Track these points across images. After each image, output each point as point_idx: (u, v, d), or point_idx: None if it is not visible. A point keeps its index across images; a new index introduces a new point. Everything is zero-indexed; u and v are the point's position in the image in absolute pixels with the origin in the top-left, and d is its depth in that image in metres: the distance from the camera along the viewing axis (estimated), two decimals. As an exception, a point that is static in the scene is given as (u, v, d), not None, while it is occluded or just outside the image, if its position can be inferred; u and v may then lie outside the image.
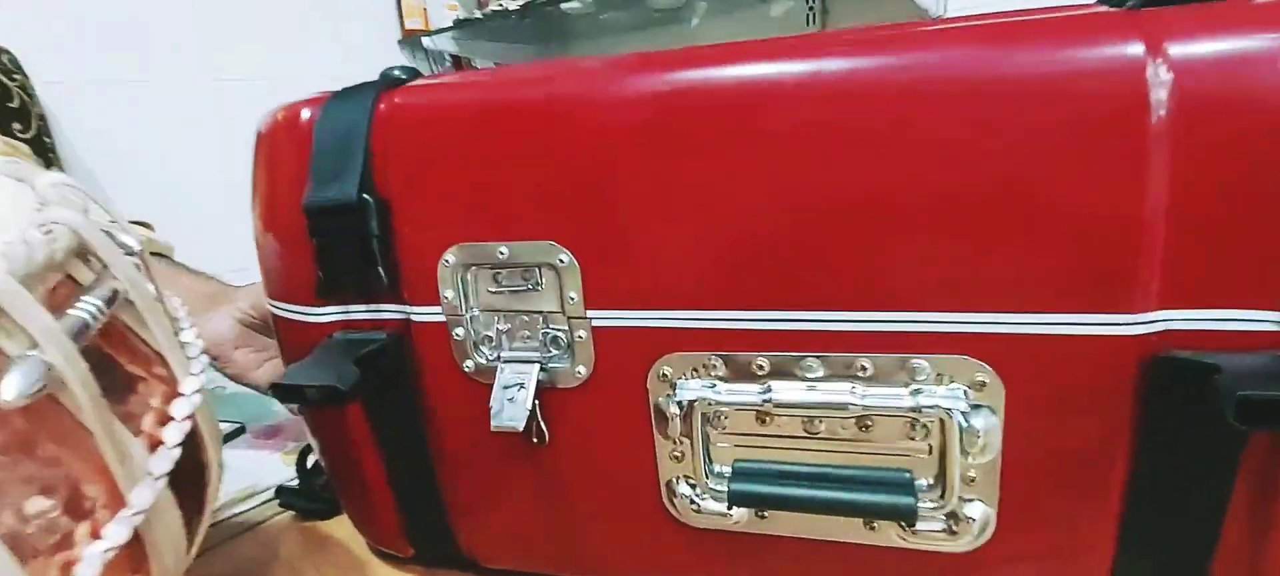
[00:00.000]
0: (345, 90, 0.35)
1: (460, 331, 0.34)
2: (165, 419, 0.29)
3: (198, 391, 0.31)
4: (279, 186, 0.35)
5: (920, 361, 0.27)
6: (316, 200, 0.32)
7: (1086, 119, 0.23)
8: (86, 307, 0.25)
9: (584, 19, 1.28)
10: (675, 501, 0.33)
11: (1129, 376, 0.25)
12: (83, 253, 0.27)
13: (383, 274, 0.33)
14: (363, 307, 0.35)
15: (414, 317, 0.35)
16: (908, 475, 0.29)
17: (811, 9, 1.12)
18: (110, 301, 0.27)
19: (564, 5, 1.27)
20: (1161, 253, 0.23)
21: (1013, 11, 0.26)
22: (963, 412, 0.27)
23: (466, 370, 0.35)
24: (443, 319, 0.34)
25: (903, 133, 0.25)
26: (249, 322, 0.55)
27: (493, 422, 0.32)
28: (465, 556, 0.41)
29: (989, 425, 0.27)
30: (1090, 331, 0.25)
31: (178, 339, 0.32)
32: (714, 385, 0.30)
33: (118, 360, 0.28)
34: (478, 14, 1.56)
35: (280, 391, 0.33)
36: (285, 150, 0.35)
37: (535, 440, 0.34)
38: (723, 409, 0.31)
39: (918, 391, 0.27)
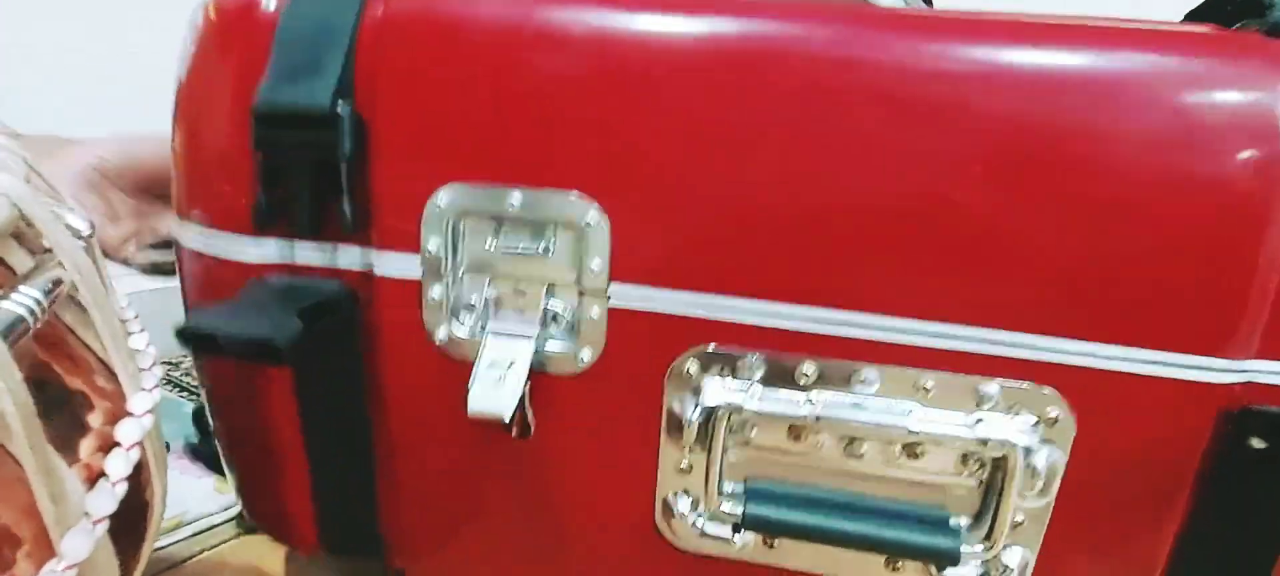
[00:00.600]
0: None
1: (438, 292, 0.28)
2: (109, 444, 0.22)
3: (150, 410, 0.23)
4: (220, 79, 0.27)
5: (990, 387, 0.24)
6: (275, 101, 0.25)
7: (1223, 147, 0.21)
8: (24, 300, 0.18)
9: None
10: (671, 521, 0.29)
11: (1206, 425, 0.23)
12: (20, 231, 0.19)
13: (348, 208, 0.27)
14: (313, 247, 0.28)
15: (377, 269, 0.28)
16: (946, 514, 0.26)
17: None
18: (52, 295, 0.19)
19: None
20: (1272, 301, 0.22)
21: (1135, 21, 0.24)
22: (1029, 449, 0.24)
23: (438, 340, 0.28)
24: (416, 275, 0.28)
25: (1017, 131, 0.22)
26: (108, 174, 0.43)
27: (471, 405, 0.26)
28: (385, 559, 0.34)
29: (1052, 465, 0.24)
30: (1180, 374, 0.23)
31: (127, 344, 0.24)
32: (749, 388, 0.26)
33: (54, 368, 0.21)
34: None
35: (192, 339, 0.25)
36: (236, 34, 0.27)
37: (515, 432, 0.28)
38: (754, 419, 0.26)
39: (980, 421, 0.24)
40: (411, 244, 0.27)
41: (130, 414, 0.23)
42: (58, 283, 0.21)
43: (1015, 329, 0.24)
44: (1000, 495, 0.25)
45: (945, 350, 0.24)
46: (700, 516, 0.28)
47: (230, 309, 0.26)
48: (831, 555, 0.28)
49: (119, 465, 0.22)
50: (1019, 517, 0.25)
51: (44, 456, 0.18)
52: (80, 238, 0.22)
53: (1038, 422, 0.24)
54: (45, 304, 0.19)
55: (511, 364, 0.27)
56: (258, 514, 0.37)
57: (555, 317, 0.27)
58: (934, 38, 0.23)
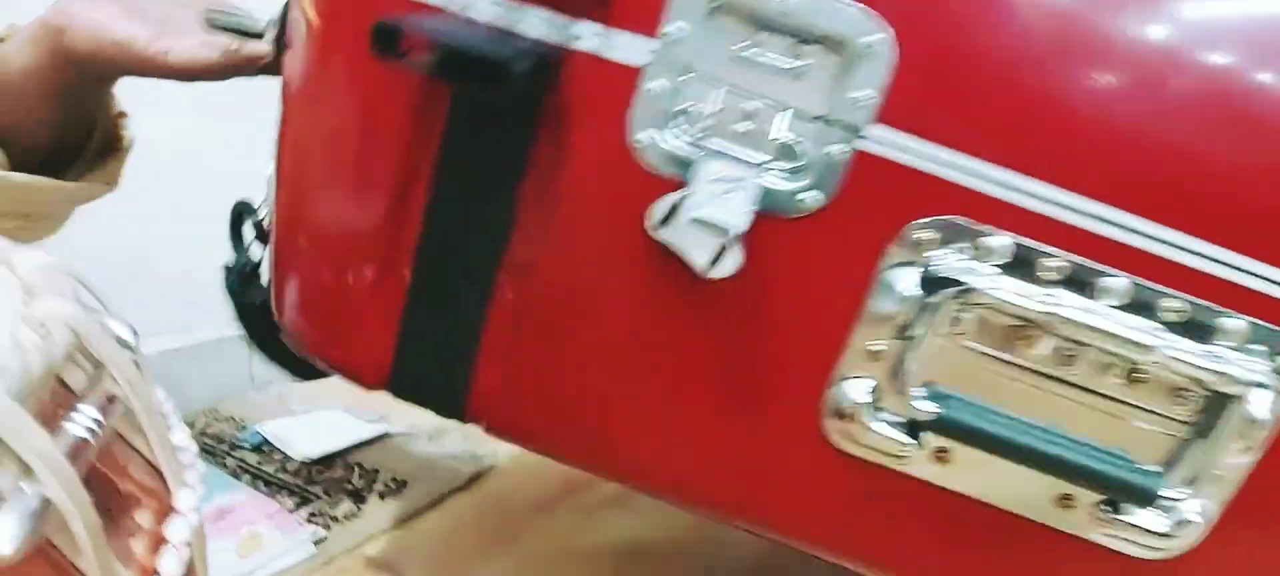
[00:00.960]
0: None
1: (658, 86, 0.24)
2: (159, 542, 0.22)
3: (196, 507, 0.23)
4: None
5: (1238, 322, 0.23)
6: None
7: None
8: (84, 421, 0.19)
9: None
10: (841, 411, 0.26)
11: None
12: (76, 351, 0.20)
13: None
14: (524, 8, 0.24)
15: (581, 44, 0.24)
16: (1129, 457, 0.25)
17: None
18: (107, 410, 0.20)
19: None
20: None
21: None
22: (1263, 392, 0.23)
23: (637, 143, 0.25)
24: (636, 61, 0.24)
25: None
26: None
27: (691, 211, 0.22)
28: (468, 407, 0.29)
29: (1275, 415, 0.24)
30: None
31: (170, 439, 0.24)
32: (991, 270, 0.24)
33: (110, 477, 0.22)
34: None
35: (383, 35, 0.20)
36: None
37: (712, 270, 0.24)
38: (985, 307, 0.24)
39: (1218, 356, 0.23)
40: (644, 24, 0.24)
41: (178, 511, 0.22)
42: (112, 398, 0.20)
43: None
44: (1208, 438, 0.24)
45: (1207, 274, 0.23)
46: (875, 411, 0.26)
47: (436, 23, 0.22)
48: (1006, 480, 0.26)
49: (172, 564, 0.21)
50: (1219, 470, 0.24)
51: (108, 567, 0.19)
52: (128, 347, 0.22)
53: (1276, 371, 0.23)
54: (103, 422, 0.19)
55: (736, 186, 0.23)
56: (305, 316, 0.31)
57: (788, 151, 0.24)
58: None
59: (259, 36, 0.36)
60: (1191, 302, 0.23)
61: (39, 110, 0.39)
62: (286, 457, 0.60)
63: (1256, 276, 0.23)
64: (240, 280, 0.36)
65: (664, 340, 0.27)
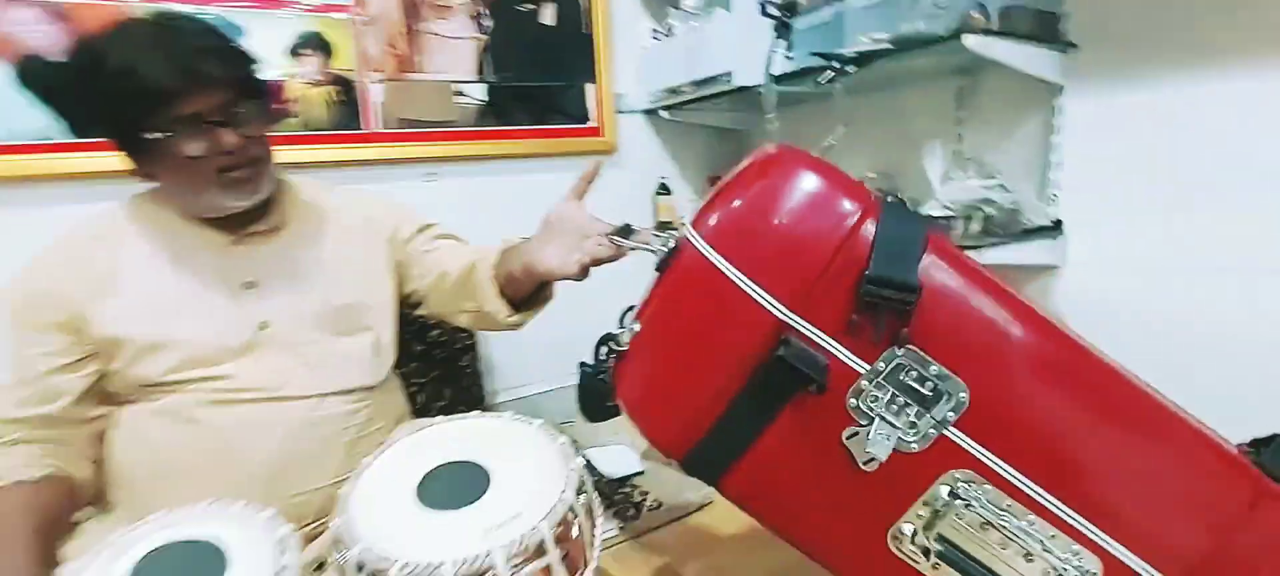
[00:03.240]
0: (895, 206, 0.55)
1: (862, 387, 0.56)
2: None
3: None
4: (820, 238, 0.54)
5: (1083, 558, 0.56)
6: (884, 274, 0.52)
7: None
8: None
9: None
10: (899, 536, 0.59)
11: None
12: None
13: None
14: (825, 337, 0.55)
15: (841, 357, 0.56)
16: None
17: (962, 94, 1.33)
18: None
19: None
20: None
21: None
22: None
23: (849, 405, 0.56)
24: (860, 370, 0.56)
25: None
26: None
27: (869, 447, 0.54)
28: (727, 483, 0.61)
29: (1077, 588, 0.57)
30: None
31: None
32: (982, 499, 0.56)
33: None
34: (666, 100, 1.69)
35: (789, 360, 0.52)
36: (837, 217, 0.54)
37: (867, 467, 0.56)
38: (974, 512, 0.57)
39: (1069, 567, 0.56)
40: (871, 360, 0.55)
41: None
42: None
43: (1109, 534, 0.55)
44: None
45: (1059, 517, 0.56)
46: (914, 540, 0.58)
47: (803, 352, 0.53)
48: None
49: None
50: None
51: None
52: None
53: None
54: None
55: (888, 436, 0.55)
56: (650, 416, 0.62)
57: (913, 426, 0.56)
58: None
59: (653, 253, 0.66)
60: (1055, 531, 0.56)
61: (523, 284, 0.92)
62: (600, 475, 1.05)
63: (1100, 537, 0.56)
64: (592, 373, 0.67)
65: (824, 486, 0.59)
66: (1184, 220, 1.06)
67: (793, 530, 0.62)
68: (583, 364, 0.69)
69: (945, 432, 0.56)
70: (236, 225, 0.92)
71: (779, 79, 1.35)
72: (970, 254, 0.88)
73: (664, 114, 1.76)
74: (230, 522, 0.67)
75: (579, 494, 0.73)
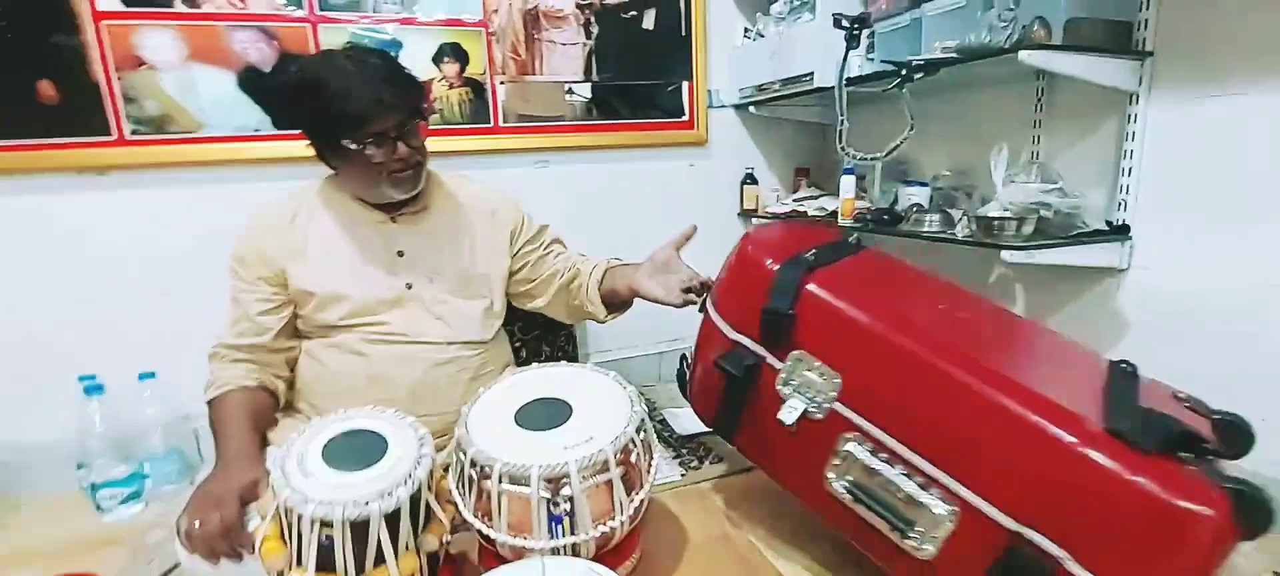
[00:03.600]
0: (794, 259, 0.74)
1: (786, 373, 0.72)
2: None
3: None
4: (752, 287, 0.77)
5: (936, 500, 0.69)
6: (772, 306, 0.76)
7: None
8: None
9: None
10: (828, 479, 0.76)
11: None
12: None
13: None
14: (758, 347, 0.74)
15: (769, 360, 0.73)
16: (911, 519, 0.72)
17: (1039, 97, 1.38)
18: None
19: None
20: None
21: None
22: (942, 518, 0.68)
23: (780, 389, 0.74)
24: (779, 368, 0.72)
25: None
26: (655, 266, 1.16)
27: (781, 415, 0.73)
28: (735, 441, 0.81)
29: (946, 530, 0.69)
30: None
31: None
32: (865, 454, 0.71)
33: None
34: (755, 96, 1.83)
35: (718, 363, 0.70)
36: (762, 273, 0.79)
37: (790, 426, 0.74)
38: (862, 464, 0.73)
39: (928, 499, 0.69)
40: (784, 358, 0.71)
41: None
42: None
43: (971, 486, 0.68)
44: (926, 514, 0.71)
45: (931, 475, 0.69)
46: (837, 479, 0.74)
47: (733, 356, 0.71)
48: (873, 516, 0.74)
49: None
50: (936, 533, 0.71)
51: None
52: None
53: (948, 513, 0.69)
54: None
55: (795, 409, 0.72)
56: (695, 400, 0.84)
57: (815, 401, 0.72)
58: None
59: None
60: (929, 485, 0.69)
61: (621, 297, 1.24)
62: (673, 431, 1.38)
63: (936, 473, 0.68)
64: (681, 368, 0.90)
65: (778, 442, 0.76)
66: (1255, 231, 1.07)
67: (776, 474, 0.85)
68: (682, 357, 0.93)
69: (833, 406, 0.77)
70: (394, 208, 1.20)
71: (856, 80, 1.45)
72: (1022, 254, 1.02)
73: (752, 109, 1.89)
74: (387, 422, 0.93)
75: (639, 432, 0.92)
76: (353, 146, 1.07)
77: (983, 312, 0.95)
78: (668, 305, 1.12)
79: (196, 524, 0.90)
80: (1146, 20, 1.15)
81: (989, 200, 1.33)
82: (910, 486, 0.74)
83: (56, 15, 1.37)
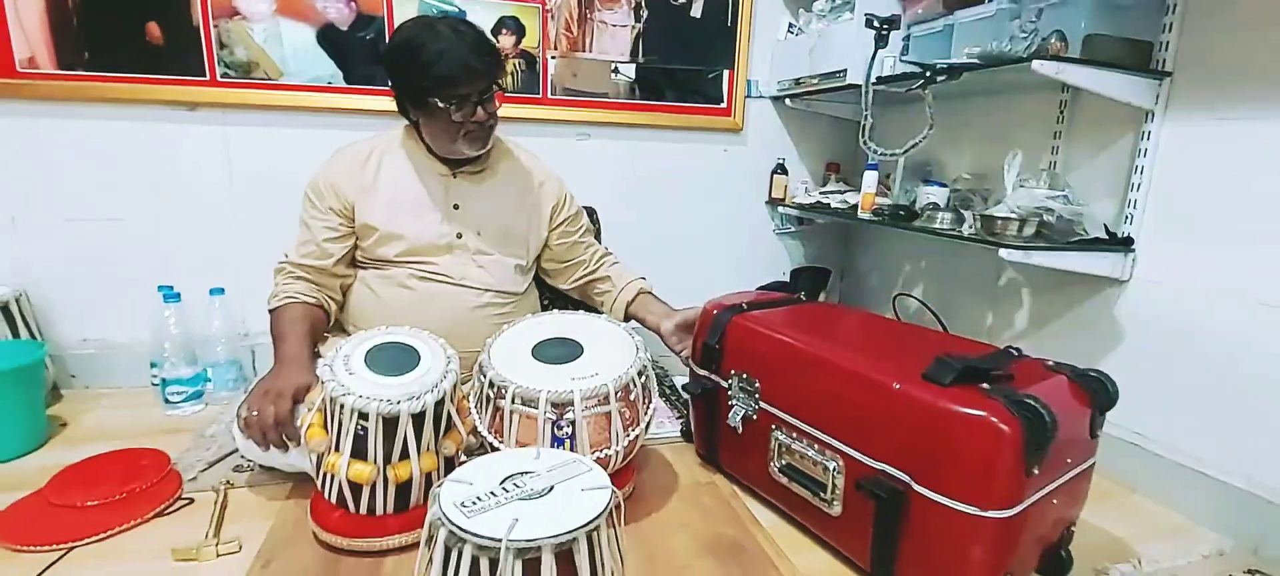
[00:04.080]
0: (728, 308, 0.94)
1: (733, 392, 0.80)
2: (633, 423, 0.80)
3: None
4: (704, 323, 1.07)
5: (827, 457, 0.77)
6: (707, 342, 1.04)
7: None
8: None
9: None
10: (773, 468, 0.86)
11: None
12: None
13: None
14: (710, 375, 0.83)
15: (722, 384, 0.83)
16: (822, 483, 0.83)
17: (1062, 109, 1.41)
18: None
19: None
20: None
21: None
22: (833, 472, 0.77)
23: (730, 402, 0.82)
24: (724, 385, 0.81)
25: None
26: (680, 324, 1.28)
27: (729, 420, 0.84)
28: (718, 462, 0.94)
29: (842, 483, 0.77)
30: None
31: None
32: (787, 438, 0.80)
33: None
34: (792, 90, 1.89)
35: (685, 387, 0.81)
36: (711, 320, 1.08)
37: (739, 430, 0.84)
38: (784, 445, 0.83)
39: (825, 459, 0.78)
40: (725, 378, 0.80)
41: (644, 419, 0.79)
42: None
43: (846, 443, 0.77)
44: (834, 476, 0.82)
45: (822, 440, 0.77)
46: (776, 468, 0.83)
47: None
48: (801, 486, 0.86)
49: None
50: (837, 487, 0.82)
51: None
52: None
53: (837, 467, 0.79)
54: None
55: (742, 415, 0.83)
56: (696, 444, 0.95)
57: (748, 406, 0.83)
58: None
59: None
60: (823, 449, 0.77)
61: (643, 324, 1.37)
62: (682, 398, 1.52)
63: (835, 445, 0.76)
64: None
65: (736, 448, 0.88)
66: (1256, 252, 1.10)
67: (744, 476, 1.10)
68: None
69: (761, 405, 1.00)
70: (457, 165, 1.34)
71: (885, 79, 1.51)
72: (1022, 254, 1.11)
73: (788, 101, 1.96)
74: (422, 340, 1.06)
75: (640, 376, 1.03)
76: (440, 104, 1.21)
77: (874, 325, 1.13)
78: (675, 354, 1.30)
79: (254, 413, 1.04)
80: (1168, 42, 1.18)
81: (998, 202, 1.38)
82: (812, 453, 0.94)
83: (166, -36, 1.54)
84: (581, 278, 1.47)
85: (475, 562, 0.59)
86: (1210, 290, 1.16)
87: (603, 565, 0.63)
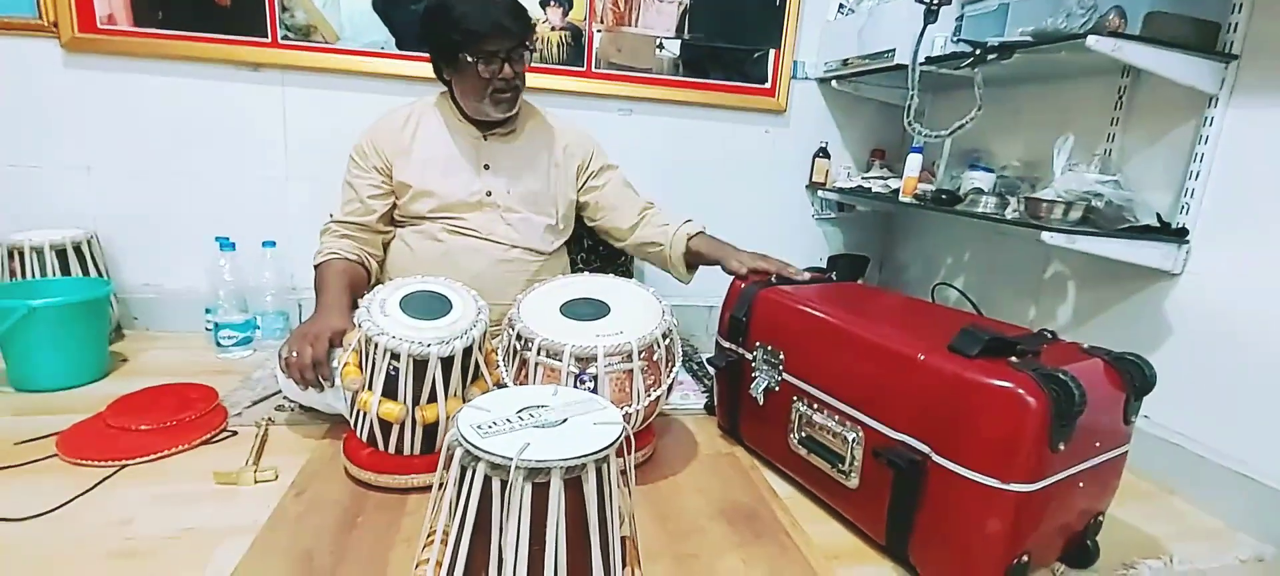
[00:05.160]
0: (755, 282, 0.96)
1: (755, 363, 0.80)
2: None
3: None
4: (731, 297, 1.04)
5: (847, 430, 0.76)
6: (733, 314, 1.03)
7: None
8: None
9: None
10: (791, 440, 0.86)
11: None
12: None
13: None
14: (738, 348, 0.83)
15: (745, 354, 0.83)
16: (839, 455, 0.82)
17: (1120, 94, 1.36)
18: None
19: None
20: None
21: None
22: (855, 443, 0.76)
23: (753, 373, 0.82)
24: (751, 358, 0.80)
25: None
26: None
27: (751, 389, 0.84)
28: (739, 434, 0.96)
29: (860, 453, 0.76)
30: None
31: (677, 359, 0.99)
32: (808, 409, 0.79)
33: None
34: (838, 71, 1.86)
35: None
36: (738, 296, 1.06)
37: (761, 401, 0.84)
38: (806, 417, 0.83)
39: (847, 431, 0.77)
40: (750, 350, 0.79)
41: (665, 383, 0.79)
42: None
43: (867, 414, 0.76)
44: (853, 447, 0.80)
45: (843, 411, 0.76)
46: (796, 440, 0.83)
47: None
48: (820, 459, 0.87)
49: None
50: (856, 459, 0.80)
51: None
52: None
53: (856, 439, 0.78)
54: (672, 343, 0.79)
55: (762, 383, 0.82)
56: (718, 419, 0.97)
57: (770, 376, 0.81)
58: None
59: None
60: (843, 421, 0.76)
61: (705, 261, 1.39)
62: (708, 372, 1.49)
63: (856, 417, 0.75)
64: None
65: (758, 419, 0.88)
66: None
67: (764, 449, 1.10)
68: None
69: (784, 377, 1.01)
70: (488, 127, 1.39)
71: (935, 59, 1.48)
72: (1066, 238, 1.08)
73: (835, 83, 1.93)
74: (454, 290, 1.10)
75: (664, 338, 1.04)
76: (470, 59, 1.25)
77: (903, 303, 1.14)
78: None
79: (293, 353, 1.10)
80: (1236, 22, 1.12)
81: (1046, 185, 1.33)
82: (833, 424, 0.94)
83: (235, -71, 1.62)
84: (641, 240, 1.46)
85: (487, 482, 0.61)
86: (1268, 288, 1.10)
87: (610, 498, 0.65)
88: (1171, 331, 1.24)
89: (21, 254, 1.54)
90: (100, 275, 1.66)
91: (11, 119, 1.64)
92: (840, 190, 1.93)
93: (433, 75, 1.37)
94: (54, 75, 1.64)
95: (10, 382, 1.35)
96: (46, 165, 1.68)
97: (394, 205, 1.39)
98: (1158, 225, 1.20)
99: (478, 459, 0.61)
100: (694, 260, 1.40)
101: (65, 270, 1.58)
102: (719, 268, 1.32)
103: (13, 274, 1.55)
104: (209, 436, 1.16)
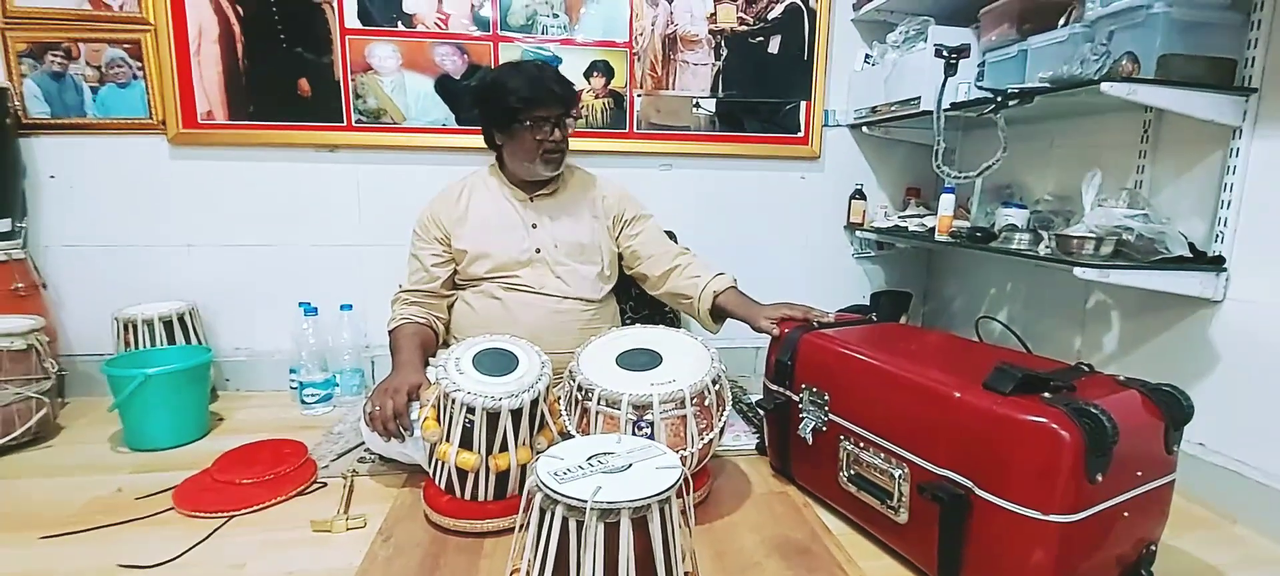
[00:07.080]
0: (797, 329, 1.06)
1: (803, 405, 0.87)
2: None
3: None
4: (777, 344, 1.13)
5: (893, 467, 0.81)
6: (779, 359, 1.08)
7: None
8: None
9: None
10: (841, 478, 0.93)
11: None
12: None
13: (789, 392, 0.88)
14: (785, 390, 0.95)
15: (792, 396, 0.90)
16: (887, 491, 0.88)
17: (1146, 129, 1.41)
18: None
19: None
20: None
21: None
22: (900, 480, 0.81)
23: (801, 414, 0.89)
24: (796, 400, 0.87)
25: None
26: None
27: (800, 430, 0.90)
28: (790, 473, 1.04)
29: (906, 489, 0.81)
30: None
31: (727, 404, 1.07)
32: (855, 448, 0.85)
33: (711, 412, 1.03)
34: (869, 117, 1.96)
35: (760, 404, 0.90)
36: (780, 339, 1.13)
37: (810, 441, 0.91)
38: (853, 455, 0.90)
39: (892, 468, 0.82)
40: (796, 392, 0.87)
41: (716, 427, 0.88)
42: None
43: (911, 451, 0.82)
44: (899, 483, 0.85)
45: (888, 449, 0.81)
46: (845, 478, 0.91)
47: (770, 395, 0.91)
48: (868, 495, 0.94)
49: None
50: (903, 494, 0.85)
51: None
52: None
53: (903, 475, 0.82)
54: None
55: (813, 427, 0.89)
56: (770, 458, 1.05)
57: (818, 418, 0.89)
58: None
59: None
60: (889, 458, 0.82)
61: (735, 317, 1.42)
62: (758, 414, 1.53)
63: (902, 454, 0.81)
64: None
65: (808, 459, 0.95)
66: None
67: (814, 488, 1.17)
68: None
69: (830, 417, 1.06)
70: (534, 188, 1.54)
71: (959, 105, 1.55)
72: (1099, 272, 1.13)
73: (865, 129, 2.01)
74: (520, 346, 1.21)
75: (714, 383, 1.12)
76: (524, 123, 1.42)
77: (943, 342, 1.19)
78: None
79: (377, 408, 1.22)
80: (1253, 58, 1.17)
81: (1077, 220, 1.37)
82: (879, 461, 1.00)
83: (317, 29, 1.82)
84: (673, 290, 1.55)
85: (565, 522, 0.70)
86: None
87: (673, 535, 0.73)
88: (1220, 358, 1.25)
89: (134, 326, 1.73)
90: (200, 342, 1.84)
91: (126, 206, 1.86)
92: (877, 230, 1.99)
93: (485, 144, 1.53)
94: (161, 166, 1.85)
95: (126, 442, 1.51)
96: (154, 245, 1.89)
97: (455, 270, 1.53)
98: (1191, 255, 1.22)
99: (556, 502, 0.70)
100: (720, 314, 1.47)
101: (170, 339, 1.77)
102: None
103: (127, 344, 1.74)
104: (303, 487, 1.29)
